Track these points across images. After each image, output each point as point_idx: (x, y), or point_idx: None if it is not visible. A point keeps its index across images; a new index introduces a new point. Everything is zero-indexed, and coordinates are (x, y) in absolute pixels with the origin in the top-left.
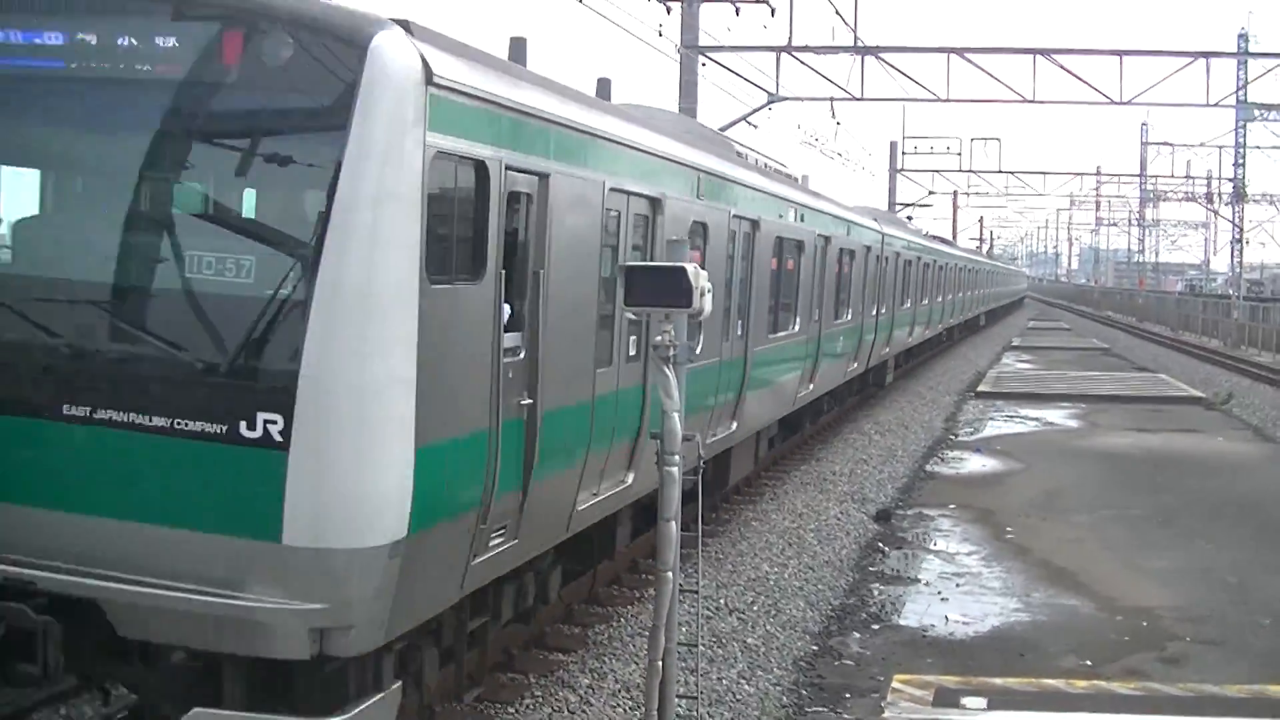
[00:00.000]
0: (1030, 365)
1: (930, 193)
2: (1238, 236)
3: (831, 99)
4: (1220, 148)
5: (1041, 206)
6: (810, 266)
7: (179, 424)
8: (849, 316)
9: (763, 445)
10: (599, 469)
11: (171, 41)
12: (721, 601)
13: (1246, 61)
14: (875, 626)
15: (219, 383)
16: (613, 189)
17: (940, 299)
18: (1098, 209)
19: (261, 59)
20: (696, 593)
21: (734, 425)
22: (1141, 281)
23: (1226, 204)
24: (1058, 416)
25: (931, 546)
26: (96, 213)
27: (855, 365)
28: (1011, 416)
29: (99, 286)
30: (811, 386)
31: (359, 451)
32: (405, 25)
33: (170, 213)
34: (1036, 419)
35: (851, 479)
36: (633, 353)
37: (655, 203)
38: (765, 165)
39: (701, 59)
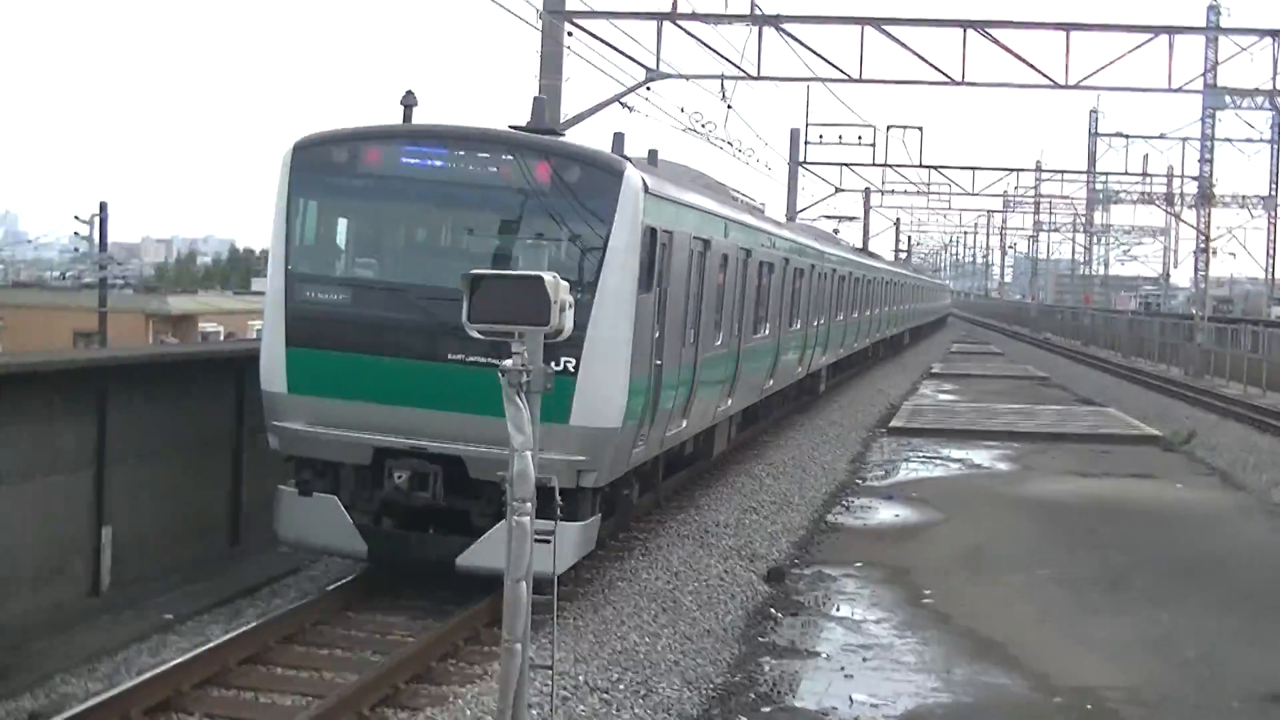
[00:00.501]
0: (954, 396)
1: (837, 189)
2: (1203, 245)
3: (722, 77)
4: (1184, 140)
5: (970, 208)
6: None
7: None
8: (720, 341)
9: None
10: (704, 400)
11: (508, 159)
12: (581, 679)
13: (1216, 39)
14: (766, 709)
15: (544, 342)
16: (694, 237)
17: (841, 318)
18: (1037, 211)
19: (563, 176)
20: (551, 668)
21: (684, 423)
22: (1087, 298)
23: (1190, 207)
24: (986, 458)
25: (834, 613)
26: (475, 251)
27: (730, 402)
28: (930, 458)
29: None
30: (730, 402)
31: (610, 375)
32: (631, 160)
33: (513, 254)
34: (960, 461)
35: (739, 531)
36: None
37: (707, 243)
38: (740, 200)
39: (568, 26)
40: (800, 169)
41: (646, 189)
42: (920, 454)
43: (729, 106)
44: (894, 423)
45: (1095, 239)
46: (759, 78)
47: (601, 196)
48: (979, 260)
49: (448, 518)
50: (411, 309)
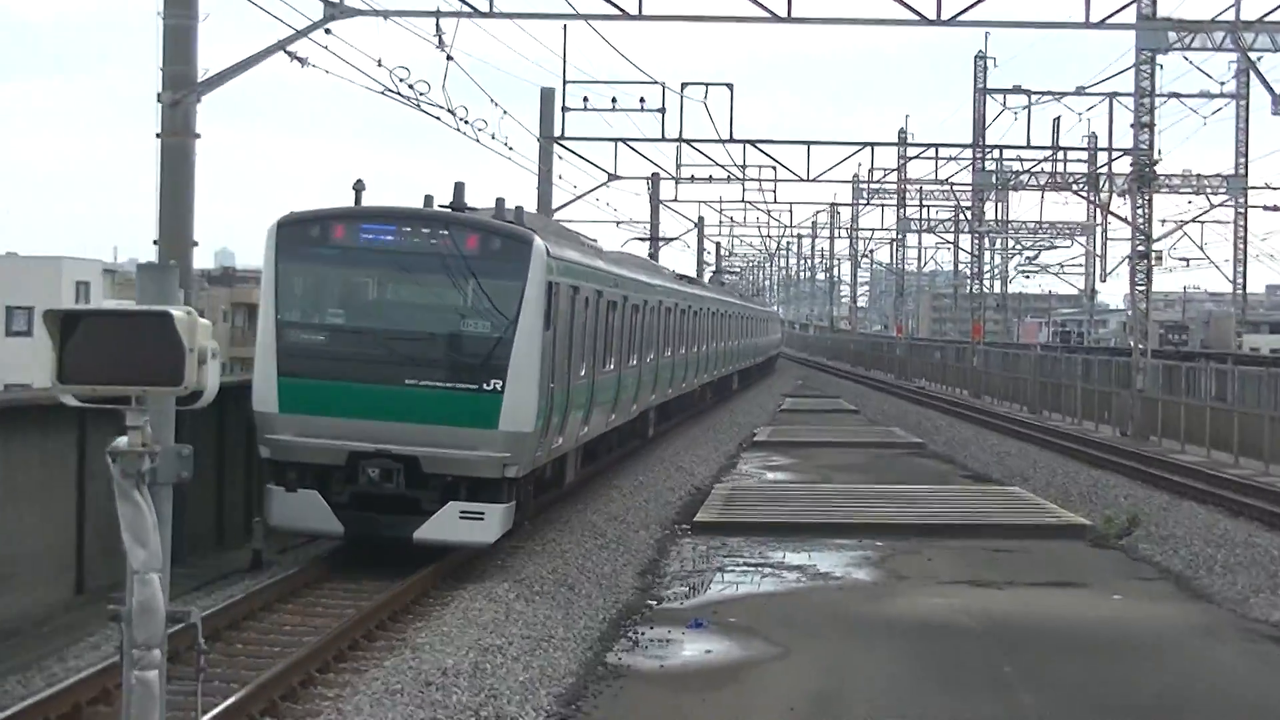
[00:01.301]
0: (787, 474)
1: (613, 176)
2: (1142, 247)
3: (438, 14)
4: (1110, 97)
5: (807, 200)
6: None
7: (459, 386)
8: (584, 372)
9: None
10: (572, 420)
11: (445, 234)
12: None
13: None
14: None
15: (479, 369)
16: (570, 285)
17: (669, 353)
18: (902, 204)
19: (488, 246)
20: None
21: (560, 440)
22: (978, 328)
23: (1122, 193)
24: (836, 562)
25: None
26: (421, 301)
27: (585, 429)
28: (756, 564)
29: (421, 334)
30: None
31: (526, 393)
32: (535, 231)
33: (452, 305)
34: (799, 567)
35: (475, 680)
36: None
37: (600, 293)
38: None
39: None
40: (556, 146)
41: (548, 253)
42: (741, 559)
43: (449, 57)
44: (701, 515)
45: (987, 242)
46: (491, 14)
47: (517, 259)
48: (819, 276)
49: (402, 504)
50: (375, 346)
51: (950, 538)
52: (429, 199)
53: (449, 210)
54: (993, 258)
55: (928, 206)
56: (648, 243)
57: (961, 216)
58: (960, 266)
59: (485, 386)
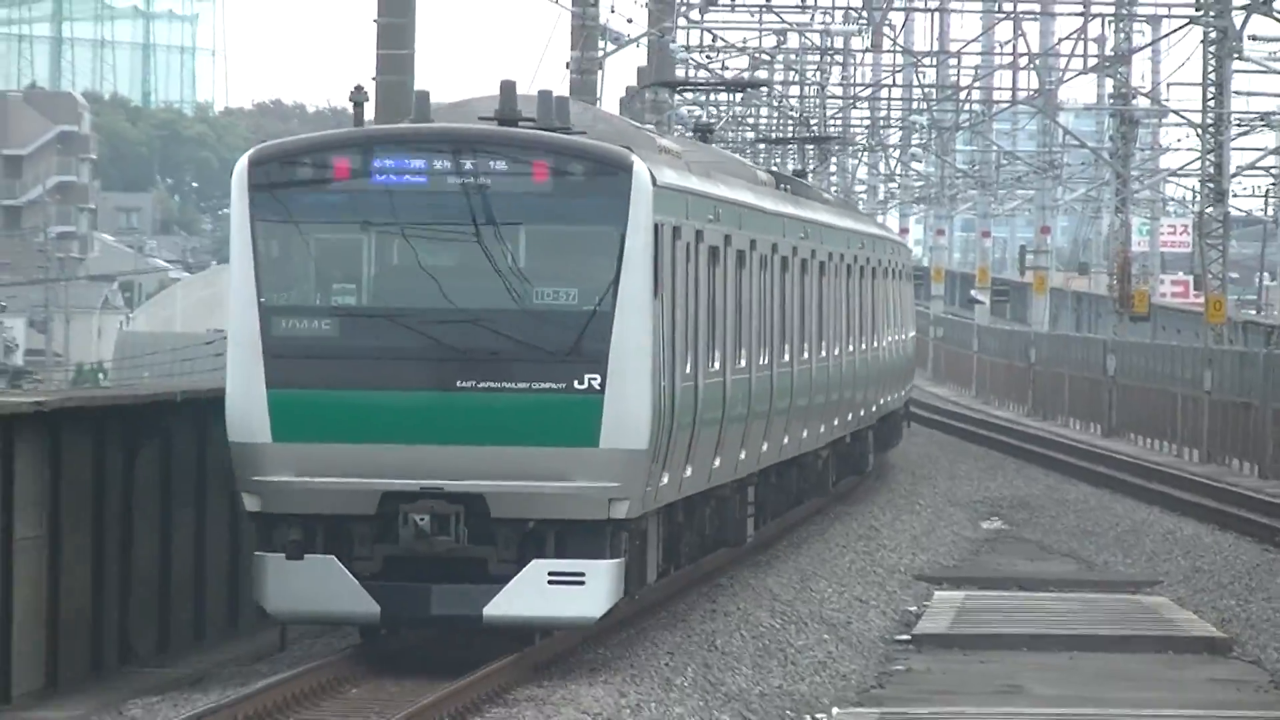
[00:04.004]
0: None
1: None
2: None
3: None
4: None
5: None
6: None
7: (535, 387)
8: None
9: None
10: (728, 441)
11: (499, 161)
12: None
13: None
14: None
15: (564, 359)
16: (724, 234)
17: (806, 353)
18: None
19: (566, 175)
20: None
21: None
22: None
23: None
24: None
25: None
26: (466, 267)
27: (764, 448)
28: None
29: (475, 313)
30: None
31: (636, 391)
32: (631, 149)
33: (516, 267)
34: None
35: None
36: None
37: (729, 238)
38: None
39: None
40: None
41: (654, 180)
42: None
43: None
44: None
45: None
46: None
47: (612, 193)
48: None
49: (463, 568)
50: (410, 335)
51: None
52: (423, 96)
53: (500, 125)
54: None
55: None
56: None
57: None
58: None
59: (576, 385)
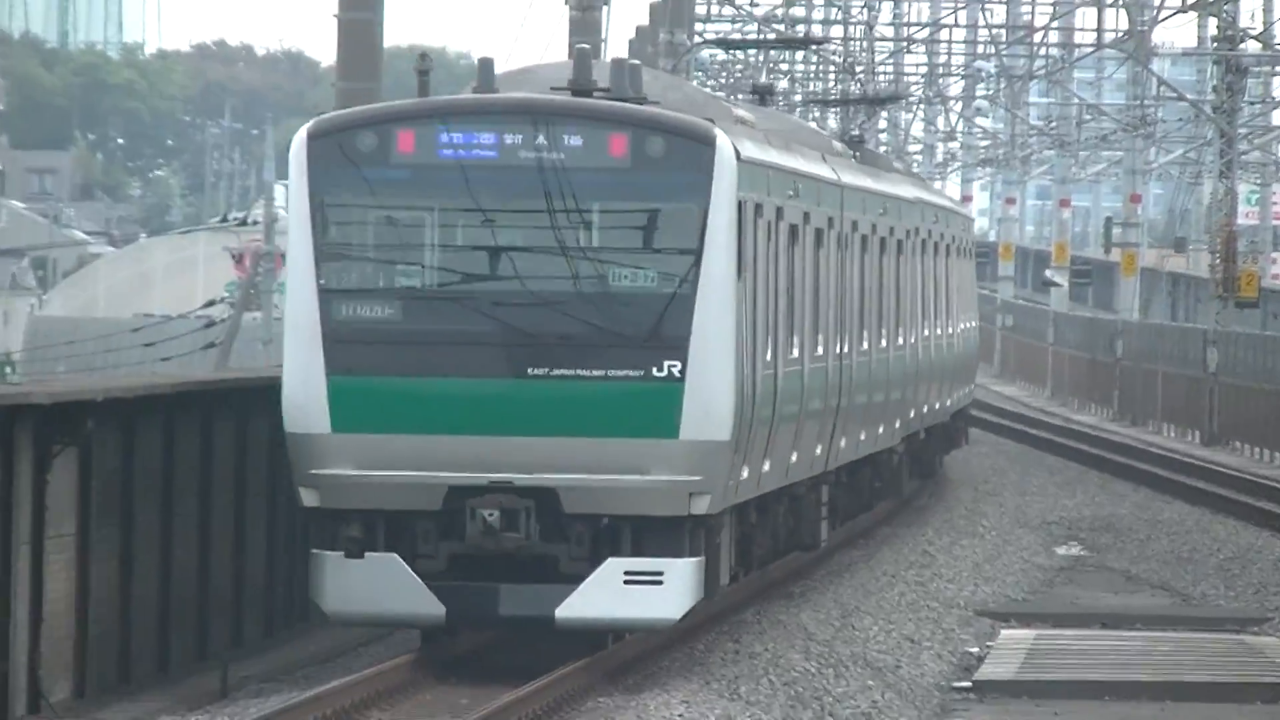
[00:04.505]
0: None
1: None
2: None
3: None
4: None
5: None
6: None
7: (612, 375)
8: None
9: None
10: (806, 434)
11: (575, 134)
12: None
13: None
14: None
15: (643, 345)
16: (804, 211)
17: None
18: None
19: (646, 149)
20: None
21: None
22: None
23: None
24: None
25: None
26: (538, 247)
27: (841, 444)
28: None
29: (548, 296)
30: None
31: (718, 379)
32: (714, 121)
33: (592, 246)
34: None
35: None
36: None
37: (808, 216)
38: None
39: None
40: None
41: (739, 155)
42: None
43: None
44: None
45: None
46: None
47: (693, 169)
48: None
49: (534, 566)
50: (478, 319)
51: None
52: (487, 63)
53: (574, 96)
54: None
55: None
56: None
57: None
58: None
59: (655, 372)
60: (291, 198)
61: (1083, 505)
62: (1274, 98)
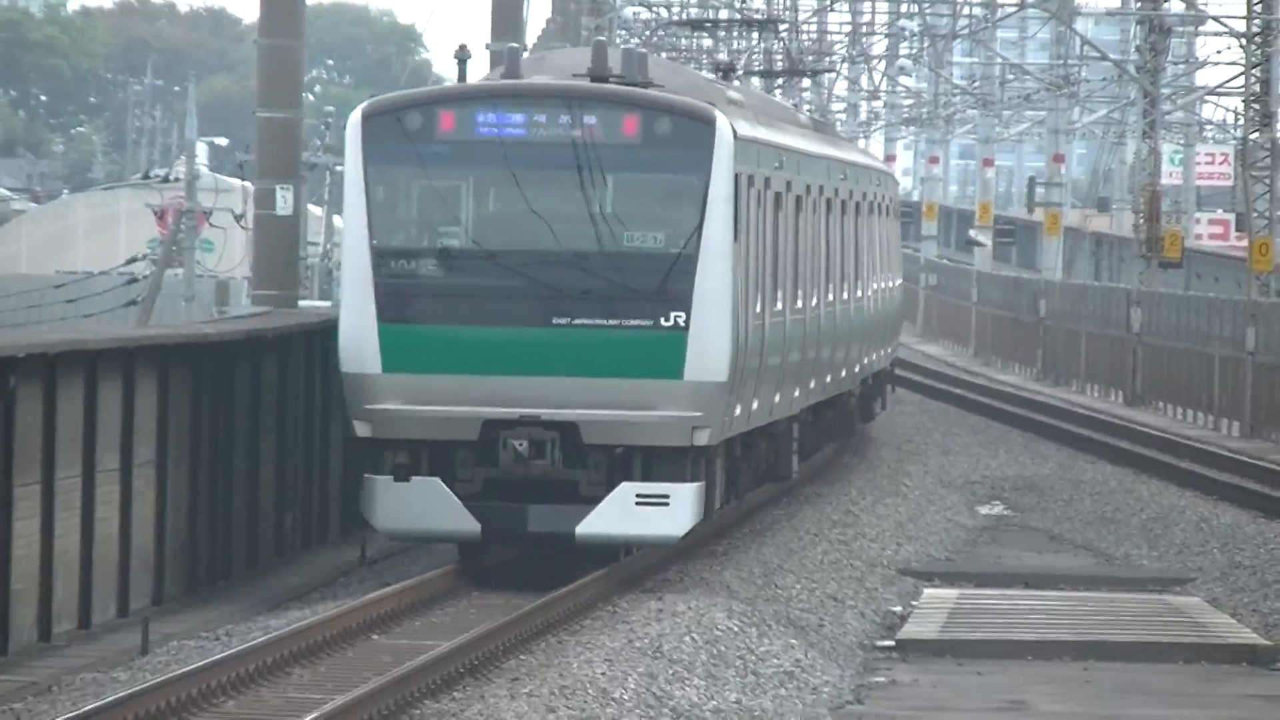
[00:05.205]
0: None
1: None
2: None
3: None
4: None
5: None
6: None
7: (626, 324)
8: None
9: None
10: (787, 380)
11: (593, 115)
12: None
13: None
14: None
15: (652, 298)
16: (786, 181)
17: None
18: None
19: (654, 128)
20: None
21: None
22: None
23: None
24: None
25: None
26: (562, 212)
27: (802, 391)
28: None
29: (570, 255)
30: None
31: (717, 328)
32: (714, 104)
33: (609, 212)
34: None
35: None
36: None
37: (789, 185)
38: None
39: None
40: None
41: (735, 133)
42: None
43: None
44: None
45: None
46: None
47: (696, 145)
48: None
49: (557, 489)
50: (510, 274)
51: None
52: (514, 52)
53: (592, 82)
54: None
55: None
56: None
57: None
58: None
59: (662, 322)
60: (348, 169)
61: (1006, 465)
62: (1197, 58)
